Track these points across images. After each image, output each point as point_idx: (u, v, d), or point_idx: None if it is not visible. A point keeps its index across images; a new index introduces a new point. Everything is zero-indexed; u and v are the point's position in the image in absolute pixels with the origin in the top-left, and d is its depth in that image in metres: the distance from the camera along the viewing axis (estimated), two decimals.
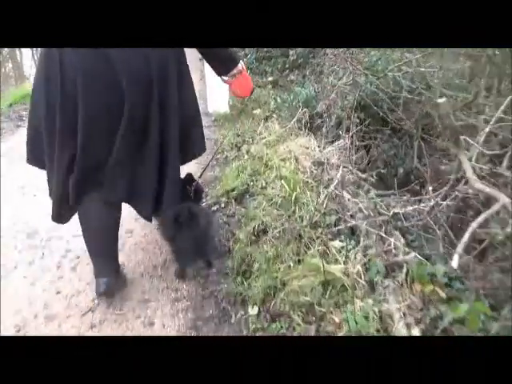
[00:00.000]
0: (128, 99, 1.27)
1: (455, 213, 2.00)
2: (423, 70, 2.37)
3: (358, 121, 2.73)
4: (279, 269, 1.62)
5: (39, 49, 1.42)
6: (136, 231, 2.00)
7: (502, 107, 1.91)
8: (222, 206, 2.16)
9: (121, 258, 1.67)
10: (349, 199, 1.97)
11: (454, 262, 1.49)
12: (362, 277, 1.49)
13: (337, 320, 1.35)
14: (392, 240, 1.66)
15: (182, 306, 1.56)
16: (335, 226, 1.86)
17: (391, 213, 1.91)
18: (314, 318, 1.41)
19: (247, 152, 2.78)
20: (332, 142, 2.80)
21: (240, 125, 3.52)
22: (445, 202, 1.83)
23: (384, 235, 1.72)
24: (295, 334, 1.36)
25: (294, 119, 3.16)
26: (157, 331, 1.45)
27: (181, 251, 1.59)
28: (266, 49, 4.67)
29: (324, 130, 2.94)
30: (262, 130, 3.26)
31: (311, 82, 3.81)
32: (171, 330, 1.45)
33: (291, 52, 4.05)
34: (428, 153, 2.65)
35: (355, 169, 2.30)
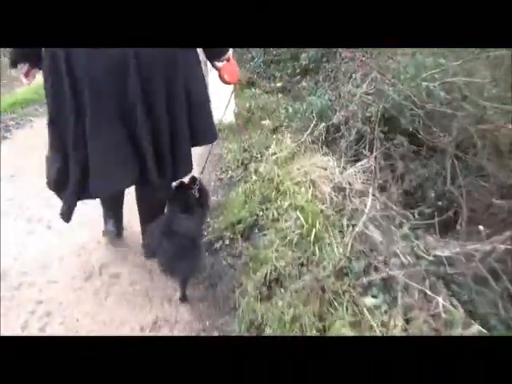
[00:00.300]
0: (136, 85, 1.29)
1: None
2: (462, 79, 2.01)
3: (382, 136, 2.38)
4: None
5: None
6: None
7: None
8: (226, 242, 1.82)
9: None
10: (381, 241, 1.62)
11: None
12: None
13: None
14: (440, 300, 1.32)
15: None
16: (364, 273, 1.52)
17: (431, 255, 1.57)
18: None
19: (255, 172, 2.44)
20: (352, 160, 2.44)
21: (247, 137, 3.18)
22: (503, 246, 1.48)
23: (428, 292, 1.38)
24: None
25: (308, 132, 2.82)
26: None
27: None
28: (274, 52, 4.32)
29: (342, 144, 2.59)
30: (272, 143, 2.92)
31: (325, 89, 3.46)
32: None
33: (302, 56, 3.69)
34: (463, 173, 2.29)
35: (383, 196, 1.95)
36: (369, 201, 1.77)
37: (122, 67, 1.27)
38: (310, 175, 2.14)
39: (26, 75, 1.46)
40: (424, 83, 2.04)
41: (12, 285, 1.63)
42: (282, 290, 1.47)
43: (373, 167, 2.07)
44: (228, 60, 1.56)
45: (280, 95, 3.98)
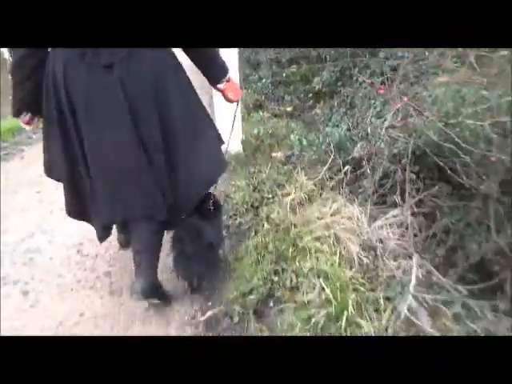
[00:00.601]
0: (130, 115, 1.29)
1: None
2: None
3: (414, 177, 2.06)
4: None
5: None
6: None
7: None
8: (236, 320, 1.50)
9: None
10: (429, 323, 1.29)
11: None
12: None
13: None
14: None
15: None
16: None
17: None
18: None
19: (267, 218, 2.12)
20: (379, 204, 2.13)
21: (256, 170, 2.88)
22: None
23: None
24: None
25: (325, 168, 2.51)
26: None
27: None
28: (284, 74, 4.04)
29: (366, 184, 2.27)
30: (284, 179, 2.62)
31: (340, 115, 3.16)
32: None
33: (315, 80, 3.39)
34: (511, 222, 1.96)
35: (424, 259, 1.63)
36: (413, 274, 1.44)
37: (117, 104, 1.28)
38: (332, 228, 1.82)
39: (29, 123, 1.50)
40: (468, 121, 1.73)
41: None
42: None
43: (408, 220, 1.75)
44: (228, 81, 1.60)
45: (290, 121, 3.69)
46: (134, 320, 1.62)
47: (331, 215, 1.96)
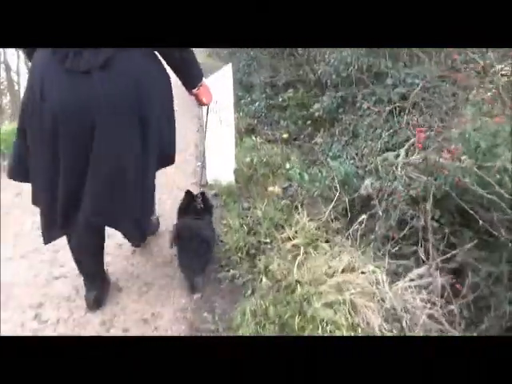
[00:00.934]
0: (100, 129, 1.29)
1: None
2: None
3: (436, 225, 1.78)
4: None
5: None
6: None
7: None
8: None
9: None
10: None
11: None
12: None
13: None
14: None
15: None
16: None
17: None
18: None
19: (266, 271, 1.80)
20: (396, 255, 1.83)
21: (249, 205, 2.57)
22: None
23: None
24: None
25: (330, 207, 2.22)
26: None
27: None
28: (280, 98, 3.77)
29: (378, 230, 1.97)
30: (283, 218, 2.31)
31: (342, 145, 2.90)
32: None
33: (315, 106, 3.11)
34: None
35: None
36: None
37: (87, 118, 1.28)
38: (346, 290, 1.51)
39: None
40: (508, 165, 1.46)
41: None
42: None
43: (438, 283, 1.45)
44: (201, 85, 1.63)
45: (286, 148, 3.41)
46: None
47: (342, 271, 1.65)
